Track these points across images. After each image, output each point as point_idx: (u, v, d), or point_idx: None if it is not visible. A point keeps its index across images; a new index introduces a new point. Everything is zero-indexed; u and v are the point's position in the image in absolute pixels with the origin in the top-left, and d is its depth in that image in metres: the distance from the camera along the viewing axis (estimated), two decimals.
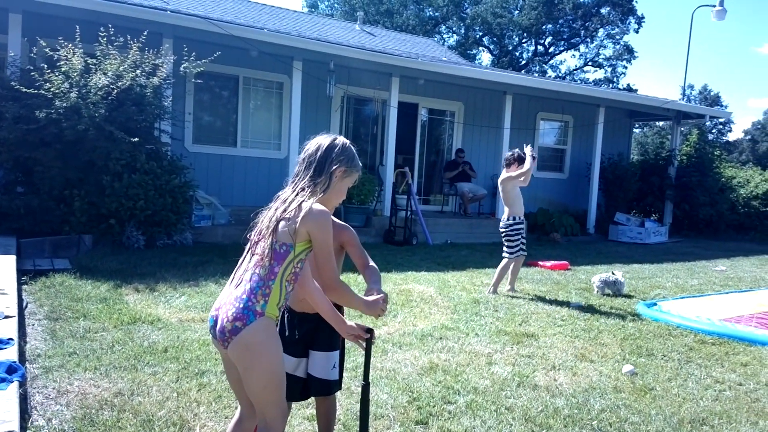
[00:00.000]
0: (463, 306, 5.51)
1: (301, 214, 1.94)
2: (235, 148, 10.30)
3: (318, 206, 1.97)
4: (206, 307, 4.81)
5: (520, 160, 6.19)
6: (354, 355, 3.87)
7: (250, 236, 2.06)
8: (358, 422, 2.56)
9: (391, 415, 2.98)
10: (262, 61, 9.68)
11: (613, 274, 6.58)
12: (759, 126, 59.63)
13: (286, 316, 2.33)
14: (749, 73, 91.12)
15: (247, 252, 2.05)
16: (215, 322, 1.96)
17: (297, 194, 2.01)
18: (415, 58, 10.61)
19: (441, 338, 4.42)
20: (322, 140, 2.11)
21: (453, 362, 3.87)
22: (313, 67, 9.62)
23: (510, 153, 6.35)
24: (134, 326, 4.15)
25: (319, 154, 2.07)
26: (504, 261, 6.19)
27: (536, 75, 30.21)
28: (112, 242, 7.01)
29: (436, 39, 30.74)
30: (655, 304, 6.00)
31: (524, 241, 6.26)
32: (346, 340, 2.44)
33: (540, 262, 8.27)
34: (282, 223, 1.96)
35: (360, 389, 2.42)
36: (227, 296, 1.97)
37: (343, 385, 3.32)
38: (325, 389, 2.43)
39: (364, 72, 10.26)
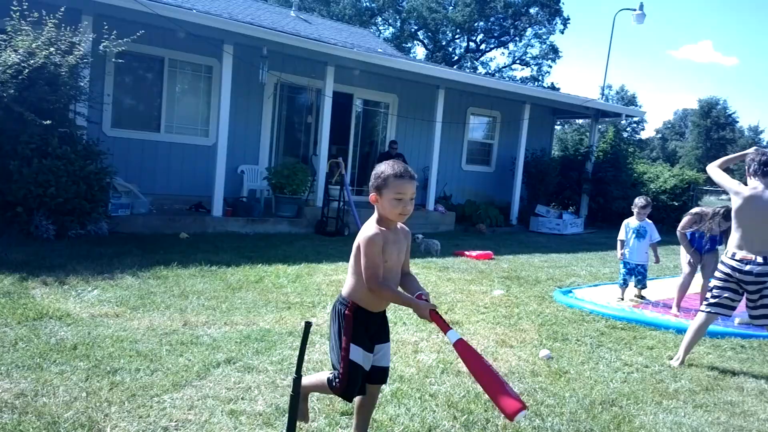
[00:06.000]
0: None
1: None
2: (158, 133, 9.85)
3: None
4: (121, 301, 4.58)
5: None
6: (280, 347, 3.82)
7: None
8: (286, 415, 2.53)
9: (316, 408, 2.96)
10: (191, 43, 9.29)
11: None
12: (669, 125, 64.01)
13: (362, 315, 2.40)
14: (664, 75, 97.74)
15: None
16: None
17: None
18: (350, 48, 10.54)
19: None
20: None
21: None
22: (245, 52, 9.34)
23: None
24: (41, 322, 3.89)
25: None
26: None
27: (468, 71, 30.86)
28: (18, 232, 6.52)
29: (372, 30, 30.71)
30: (570, 291, 6.32)
31: None
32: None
33: (466, 252, 8.50)
34: None
35: (291, 382, 2.38)
36: None
37: (267, 378, 3.27)
38: (386, 376, 2.56)
39: (299, 59, 10.08)
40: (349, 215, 9.92)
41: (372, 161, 12.87)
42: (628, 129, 45.35)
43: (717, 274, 4.27)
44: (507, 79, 32.87)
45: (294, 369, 2.53)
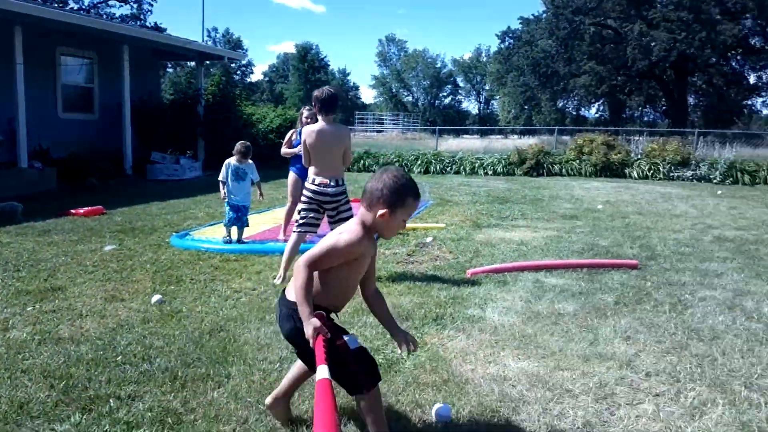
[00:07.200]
0: None
1: None
2: None
3: None
4: None
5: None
6: None
7: None
8: None
9: None
10: None
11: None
12: (275, 69, 69.39)
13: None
14: (267, 21, 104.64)
15: None
16: None
17: None
18: None
19: None
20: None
21: None
22: None
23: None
24: None
25: None
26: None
27: (56, 6, 26.40)
28: None
29: None
30: (187, 234, 6.47)
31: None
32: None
33: (72, 210, 7.68)
34: None
35: None
36: None
37: None
38: None
39: None
40: None
41: None
42: (238, 73, 47.21)
43: (303, 198, 5.01)
44: (104, 17, 29.49)
45: None
